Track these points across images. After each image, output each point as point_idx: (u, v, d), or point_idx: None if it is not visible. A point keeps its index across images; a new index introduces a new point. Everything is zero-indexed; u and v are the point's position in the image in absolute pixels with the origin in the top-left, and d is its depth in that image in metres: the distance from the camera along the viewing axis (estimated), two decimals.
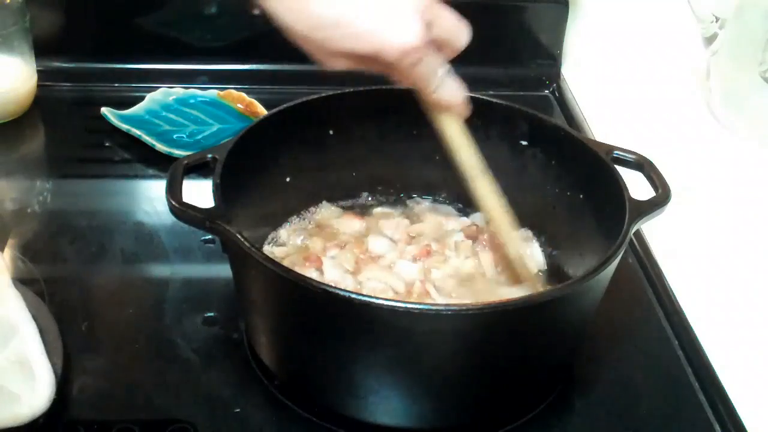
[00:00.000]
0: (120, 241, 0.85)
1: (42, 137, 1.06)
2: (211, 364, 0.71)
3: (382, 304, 0.57)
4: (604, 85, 1.17)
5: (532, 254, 0.78)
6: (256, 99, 1.05)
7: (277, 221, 0.80)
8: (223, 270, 0.70)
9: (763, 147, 1.04)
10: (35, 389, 0.62)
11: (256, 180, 0.74)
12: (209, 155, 0.68)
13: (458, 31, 0.61)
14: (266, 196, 0.76)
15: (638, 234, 0.86)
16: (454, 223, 0.82)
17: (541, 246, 0.79)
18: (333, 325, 0.60)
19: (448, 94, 0.63)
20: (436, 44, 0.60)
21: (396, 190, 0.85)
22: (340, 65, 0.60)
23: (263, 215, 0.77)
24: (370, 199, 0.85)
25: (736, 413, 0.68)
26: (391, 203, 0.85)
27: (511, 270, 0.75)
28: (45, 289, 0.75)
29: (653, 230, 0.86)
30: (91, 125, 1.03)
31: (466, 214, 0.83)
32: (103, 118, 1.01)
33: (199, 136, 1.01)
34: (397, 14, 0.58)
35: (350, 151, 0.81)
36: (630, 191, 0.67)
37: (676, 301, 0.79)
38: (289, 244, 0.78)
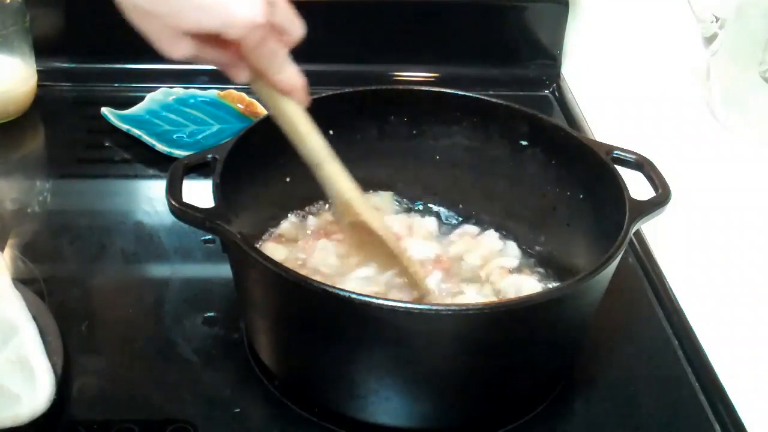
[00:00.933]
0: (120, 241, 0.85)
1: (42, 137, 1.06)
2: (211, 364, 0.71)
3: (383, 304, 0.57)
4: (604, 85, 1.17)
5: (507, 251, 0.78)
6: (256, 99, 1.05)
7: (277, 221, 0.80)
8: (223, 270, 0.70)
9: (763, 147, 1.04)
10: (35, 389, 0.62)
11: (256, 180, 0.74)
12: (209, 155, 0.69)
13: (295, 21, 0.61)
14: (266, 196, 0.76)
15: (638, 234, 0.86)
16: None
17: (524, 244, 0.79)
18: (333, 325, 0.60)
19: (290, 77, 0.62)
20: (275, 30, 0.60)
21: (396, 191, 0.85)
22: (184, 50, 0.58)
23: (263, 215, 0.77)
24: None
25: (736, 413, 0.68)
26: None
27: (381, 252, 0.71)
28: (45, 289, 0.75)
29: (653, 230, 0.86)
30: (91, 125, 1.03)
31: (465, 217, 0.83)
32: (103, 118, 1.01)
33: (199, 136, 1.01)
34: None
35: (350, 151, 0.80)
36: (630, 191, 0.68)
37: (676, 301, 0.79)
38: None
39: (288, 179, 0.78)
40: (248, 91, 1.07)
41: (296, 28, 0.61)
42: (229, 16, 0.56)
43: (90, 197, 0.94)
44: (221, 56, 0.60)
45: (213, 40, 0.58)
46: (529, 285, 0.75)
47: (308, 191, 0.80)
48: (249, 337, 0.72)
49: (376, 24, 1.14)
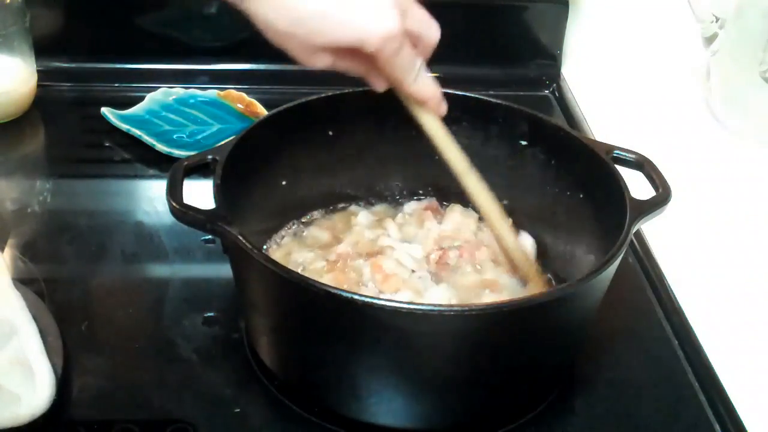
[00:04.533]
0: (120, 241, 0.85)
1: (42, 137, 1.06)
2: (211, 364, 0.71)
3: (384, 305, 0.57)
4: (604, 85, 1.17)
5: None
6: (256, 99, 1.05)
7: (277, 221, 0.80)
8: (223, 270, 0.70)
9: (763, 147, 1.04)
10: (35, 389, 0.62)
11: (256, 180, 0.74)
12: (209, 156, 0.68)
13: (430, 25, 0.62)
14: (267, 196, 0.76)
15: (638, 234, 0.86)
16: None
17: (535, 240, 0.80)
18: (334, 326, 0.60)
19: (425, 87, 0.64)
20: (411, 38, 0.61)
21: (396, 191, 0.85)
22: (321, 62, 0.60)
23: (264, 215, 0.77)
24: (371, 199, 0.85)
25: (736, 413, 0.68)
26: (390, 204, 0.85)
27: (510, 263, 0.75)
28: (45, 289, 0.75)
29: (653, 230, 0.86)
30: (91, 125, 1.03)
31: None
32: (103, 118, 1.01)
33: (199, 136, 1.01)
34: (376, 3, 0.59)
35: (350, 151, 0.81)
36: (630, 191, 0.67)
37: (676, 301, 0.79)
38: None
39: (288, 179, 0.78)
40: (248, 91, 1.07)
41: (432, 31, 0.63)
42: (366, 31, 0.58)
43: (90, 197, 0.94)
44: (359, 66, 0.62)
45: (350, 52, 0.60)
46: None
47: (308, 191, 0.81)
48: (249, 337, 0.72)
49: None
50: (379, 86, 0.64)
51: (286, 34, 0.59)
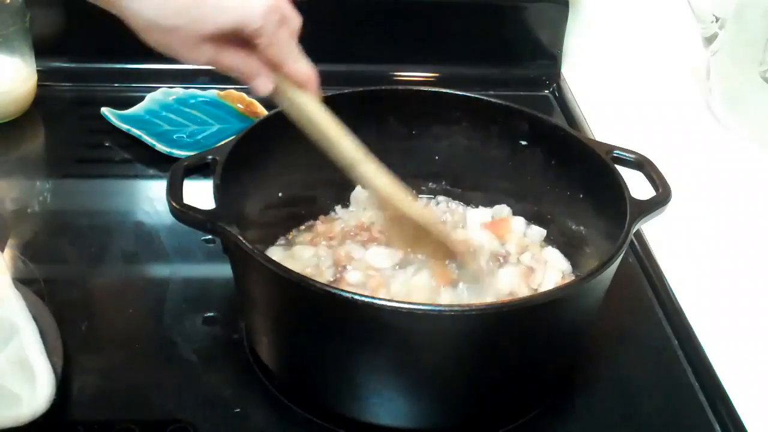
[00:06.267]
0: (120, 241, 0.85)
1: (42, 137, 1.06)
2: (211, 364, 0.71)
3: (384, 305, 0.57)
4: (604, 85, 1.17)
5: (552, 259, 0.77)
6: (256, 99, 1.05)
7: (277, 221, 0.80)
8: (223, 270, 0.70)
9: (763, 147, 1.04)
10: (35, 389, 0.62)
11: (256, 181, 0.74)
12: (209, 156, 0.68)
13: (292, 8, 0.63)
14: (267, 196, 0.76)
15: (638, 234, 0.86)
16: None
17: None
18: (334, 326, 0.60)
19: (305, 67, 0.64)
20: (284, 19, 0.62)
21: None
22: (204, 56, 0.60)
23: (264, 215, 0.77)
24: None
25: (736, 413, 0.68)
26: None
27: (428, 242, 0.71)
28: (45, 289, 0.75)
29: (653, 230, 0.86)
30: (91, 125, 1.03)
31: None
32: (103, 118, 1.01)
33: (199, 136, 1.01)
34: None
35: None
36: (630, 191, 0.67)
37: (676, 301, 0.79)
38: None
39: (288, 180, 0.78)
40: (248, 91, 1.07)
41: (295, 15, 0.63)
42: (247, 9, 0.59)
43: (90, 197, 0.94)
44: (239, 59, 0.61)
45: (231, 42, 0.60)
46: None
47: (309, 191, 0.81)
48: (249, 337, 0.72)
49: (376, 24, 1.14)
50: (262, 85, 0.63)
51: (169, 28, 0.59)
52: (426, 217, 0.70)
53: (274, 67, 0.63)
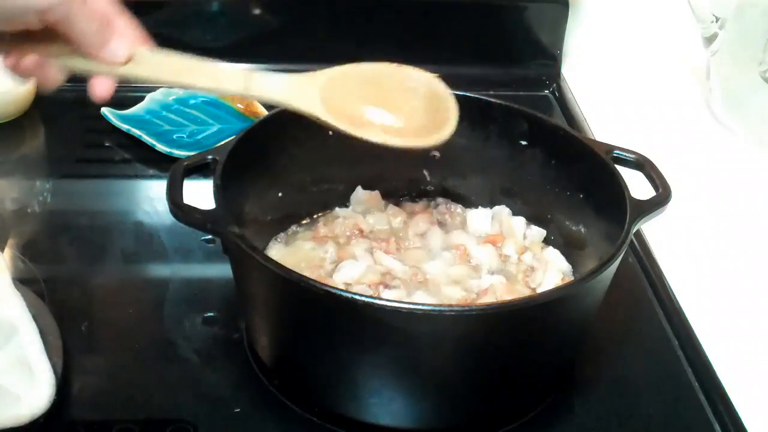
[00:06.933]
0: (120, 241, 0.85)
1: (42, 137, 1.06)
2: (211, 364, 0.71)
3: (385, 305, 0.57)
4: (604, 85, 1.17)
5: (553, 259, 0.77)
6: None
7: (277, 221, 0.80)
8: (223, 270, 0.70)
9: (763, 147, 1.04)
10: (35, 389, 0.62)
11: (256, 181, 0.74)
12: (209, 156, 0.68)
13: (122, 12, 0.61)
14: (266, 196, 0.76)
15: (638, 234, 0.86)
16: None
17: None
18: (334, 326, 0.60)
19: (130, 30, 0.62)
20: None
21: (395, 190, 0.85)
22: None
23: (264, 216, 0.77)
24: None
25: (736, 413, 0.68)
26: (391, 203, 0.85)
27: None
28: (45, 289, 0.75)
29: (653, 230, 0.86)
30: (91, 125, 1.02)
31: None
32: (103, 118, 1.01)
33: (199, 136, 1.01)
34: None
35: (350, 151, 0.80)
36: (630, 191, 0.67)
37: (676, 301, 0.79)
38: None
39: (288, 180, 0.78)
40: None
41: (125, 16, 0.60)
42: None
43: (90, 197, 0.94)
44: (39, 48, 0.59)
45: (27, 34, 0.57)
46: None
47: (308, 192, 0.81)
48: (249, 337, 0.72)
49: (376, 24, 1.14)
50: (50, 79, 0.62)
51: None
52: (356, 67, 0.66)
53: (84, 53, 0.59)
